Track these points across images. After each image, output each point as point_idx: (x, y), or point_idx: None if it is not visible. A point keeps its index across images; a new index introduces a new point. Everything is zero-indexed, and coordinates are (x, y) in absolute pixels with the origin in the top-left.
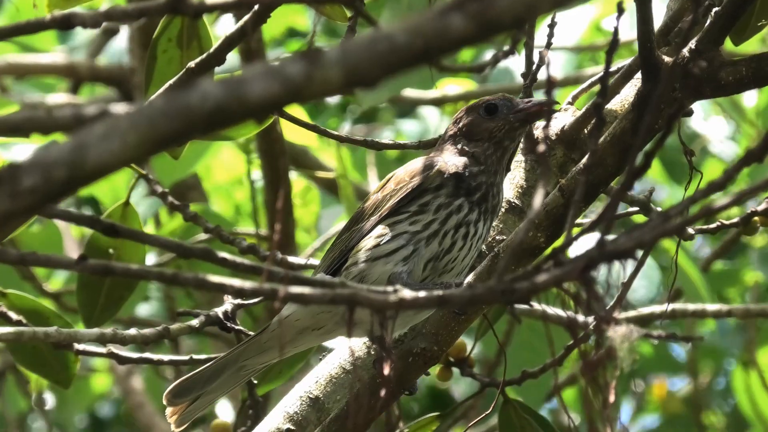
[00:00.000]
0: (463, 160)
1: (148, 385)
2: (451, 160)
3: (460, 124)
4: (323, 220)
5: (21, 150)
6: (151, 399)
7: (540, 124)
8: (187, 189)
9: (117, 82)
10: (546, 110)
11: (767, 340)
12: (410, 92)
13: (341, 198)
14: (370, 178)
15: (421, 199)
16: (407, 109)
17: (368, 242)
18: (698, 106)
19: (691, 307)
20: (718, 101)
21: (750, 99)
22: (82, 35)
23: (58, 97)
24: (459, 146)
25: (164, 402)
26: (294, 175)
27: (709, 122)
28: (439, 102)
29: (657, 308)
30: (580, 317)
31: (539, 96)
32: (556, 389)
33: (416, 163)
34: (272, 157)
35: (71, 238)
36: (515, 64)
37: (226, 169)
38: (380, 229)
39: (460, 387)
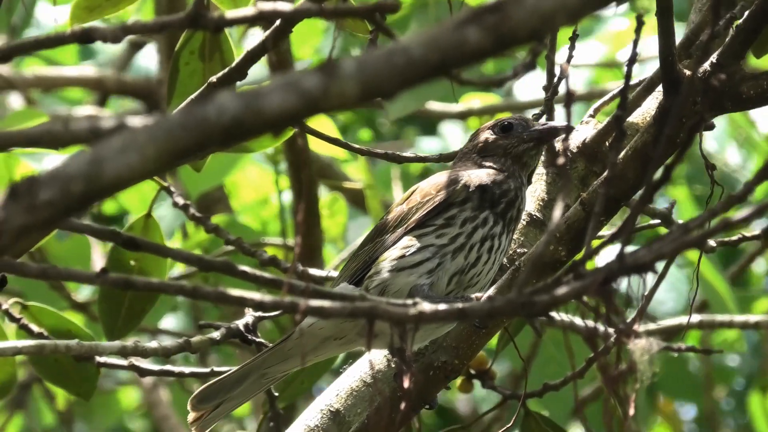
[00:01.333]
0: (485, 171)
1: (174, 397)
2: (474, 173)
3: (476, 141)
4: (350, 231)
5: (52, 161)
6: (177, 411)
7: (561, 136)
8: (213, 202)
9: (144, 95)
10: (561, 132)
11: None
12: (435, 105)
13: (368, 209)
14: (394, 192)
15: (447, 213)
16: (432, 123)
17: (393, 253)
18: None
19: (718, 318)
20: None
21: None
22: (106, 50)
23: (85, 110)
24: (477, 161)
25: (188, 407)
26: (321, 187)
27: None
28: (463, 116)
29: (683, 319)
30: (601, 330)
31: (559, 110)
32: (578, 402)
33: (441, 177)
34: (299, 169)
35: (98, 251)
36: (538, 78)
37: (254, 187)
38: (406, 240)
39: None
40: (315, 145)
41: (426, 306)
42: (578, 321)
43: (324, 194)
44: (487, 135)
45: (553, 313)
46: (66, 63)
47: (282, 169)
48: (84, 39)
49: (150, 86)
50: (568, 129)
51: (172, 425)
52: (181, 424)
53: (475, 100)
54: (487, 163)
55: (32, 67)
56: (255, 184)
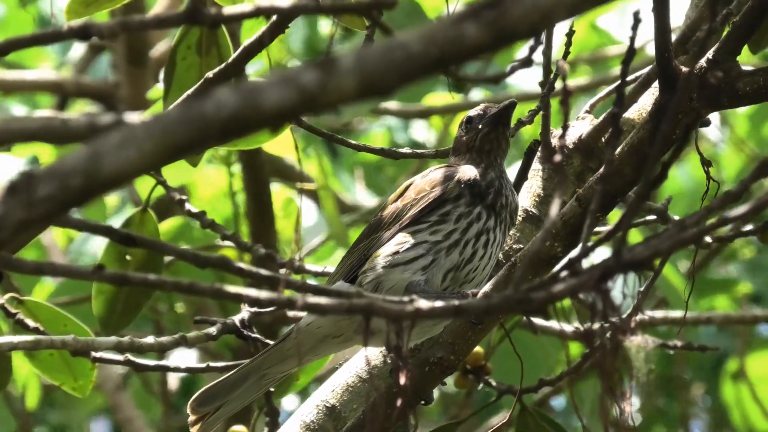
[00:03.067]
0: (467, 167)
1: (136, 399)
2: (463, 170)
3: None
4: (306, 232)
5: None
6: (142, 413)
7: (557, 132)
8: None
9: (103, 97)
10: (508, 109)
11: (758, 347)
12: (393, 105)
13: (322, 209)
14: (357, 190)
15: (442, 209)
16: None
17: (387, 249)
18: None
19: (671, 314)
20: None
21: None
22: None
23: (44, 114)
24: (457, 158)
25: (188, 411)
26: (277, 187)
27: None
28: (424, 114)
29: (638, 317)
30: (596, 326)
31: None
32: (573, 397)
33: (436, 173)
34: (253, 169)
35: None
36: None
37: (210, 183)
38: (400, 237)
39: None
40: (269, 145)
41: (423, 303)
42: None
43: (279, 195)
44: (457, 133)
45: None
46: (31, 65)
47: (236, 170)
48: (81, 35)
49: (109, 89)
50: (512, 104)
51: (137, 427)
52: (146, 426)
53: (435, 97)
54: (461, 161)
55: None
56: (211, 179)
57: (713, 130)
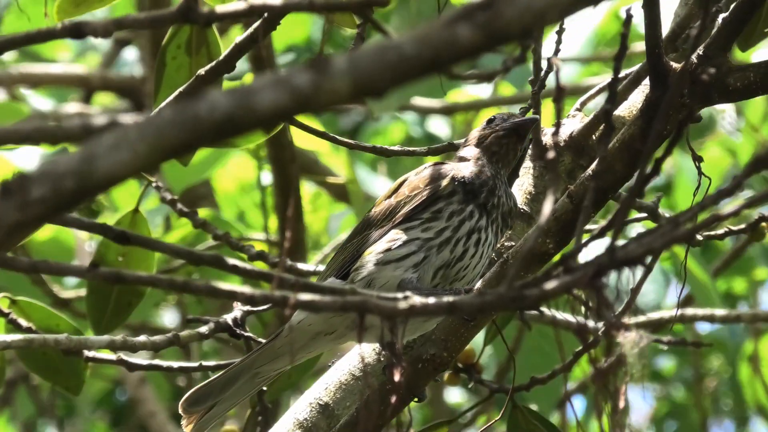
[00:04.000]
0: (464, 164)
1: (159, 392)
2: (458, 167)
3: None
4: (333, 225)
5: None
6: (163, 406)
7: (548, 130)
8: (198, 198)
9: (128, 91)
10: (529, 124)
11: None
12: (420, 101)
13: (352, 203)
14: (378, 186)
15: (434, 206)
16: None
17: (379, 246)
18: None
19: (700, 312)
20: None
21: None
22: (94, 43)
23: (71, 107)
24: (460, 155)
25: (180, 411)
26: (304, 182)
27: None
28: (449, 111)
29: (666, 313)
30: (590, 323)
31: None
32: (566, 395)
33: (429, 170)
34: (282, 164)
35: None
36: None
37: (236, 177)
38: (393, 234)
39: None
40: (299, 138)
41: (416, 300)
42: (567, 315)
43: (307, 189)
44: (479, 127)
45: (544, 309)
46: (56, 59)
47: (264, 164)
48: (74, 34)
49: (134, 83)
50: (533, 121)
51: (160, 421)
52: (169, 420)
53: (460, 94)
54: (464, 155)
55: (18, 64)
56: (237, 173)
57: (730, 119)
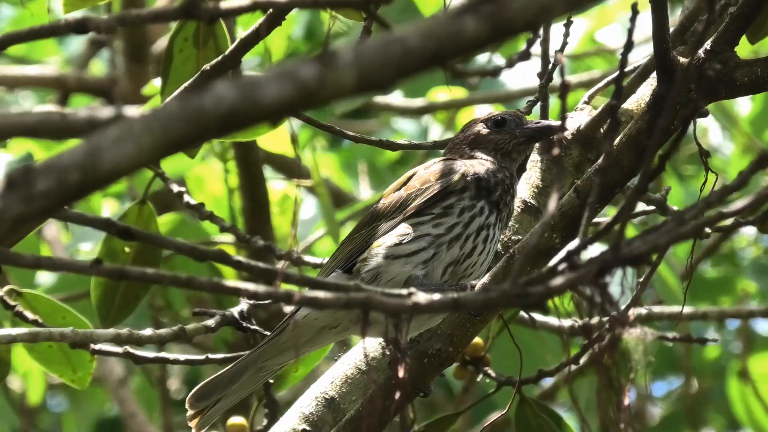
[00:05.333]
0: (478, 161)
1: (139, 394)
2: (470, 163)
3: (468, 133)
4: (302, 227)
5: None
6: (142, 407)
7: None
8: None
9: (105, 92)
10: (555, 131)
11: (761, 348)
12: (396, 100)
13: (320, 206)
14: (360, 184)
15: (445, 202)
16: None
17: (389, 239)
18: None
19: (667, 309)
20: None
21: (744, 107)
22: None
23: (45, 108)
24: (468, 153)
25: (186, 406)
26: (277, 183)
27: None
28: (424, 111)
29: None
30: (595, 319)
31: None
32: (571, 389)
33: (440, 165)
34: (249, 165)
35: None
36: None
37: (204, 180)
38: (403, 228)
39: None
40: (264, 140)
41: (421, 296)
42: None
43: (275, 191)
44: (480, 128)
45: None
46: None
47: (231, 166)
48: (78, 29)
49: (110, 84)
50: (562, 128)
51: (139, 422)
52: (148, 422)
53: (440, 93)
54: (478, 155)
55: None
56: (205, 175)
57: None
